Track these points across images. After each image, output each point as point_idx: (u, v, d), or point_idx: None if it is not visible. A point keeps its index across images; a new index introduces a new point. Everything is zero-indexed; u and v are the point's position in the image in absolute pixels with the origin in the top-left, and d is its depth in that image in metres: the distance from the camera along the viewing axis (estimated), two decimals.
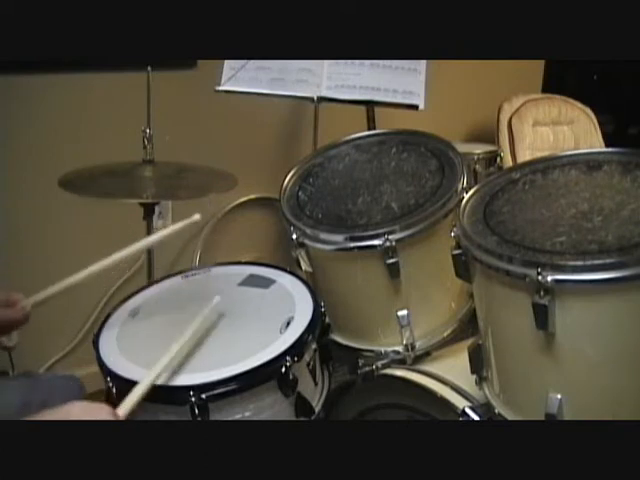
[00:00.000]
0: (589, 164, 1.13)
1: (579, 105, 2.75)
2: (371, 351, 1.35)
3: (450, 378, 1.23)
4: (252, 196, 2.43)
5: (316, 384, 1.21)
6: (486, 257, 0.98)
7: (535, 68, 3.10)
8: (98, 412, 0.85)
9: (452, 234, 1.06)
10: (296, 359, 1.09)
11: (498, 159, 2.24)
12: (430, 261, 1.28)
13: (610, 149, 1.17)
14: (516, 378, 1.05)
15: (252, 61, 1.92)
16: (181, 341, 1.06)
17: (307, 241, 1.30)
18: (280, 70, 1.94)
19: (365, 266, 1.27)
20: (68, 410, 0.84)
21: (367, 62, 1.94)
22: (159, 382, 1.02)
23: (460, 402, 1.16)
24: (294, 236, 1.30)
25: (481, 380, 1.13)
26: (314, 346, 1.19)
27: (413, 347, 1.31)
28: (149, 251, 1.79)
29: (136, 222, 1.71)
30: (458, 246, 1.05)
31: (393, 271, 1.22)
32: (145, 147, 1.65)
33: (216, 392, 1.03)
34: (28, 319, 1.11)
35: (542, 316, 0.91)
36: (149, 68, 1.63)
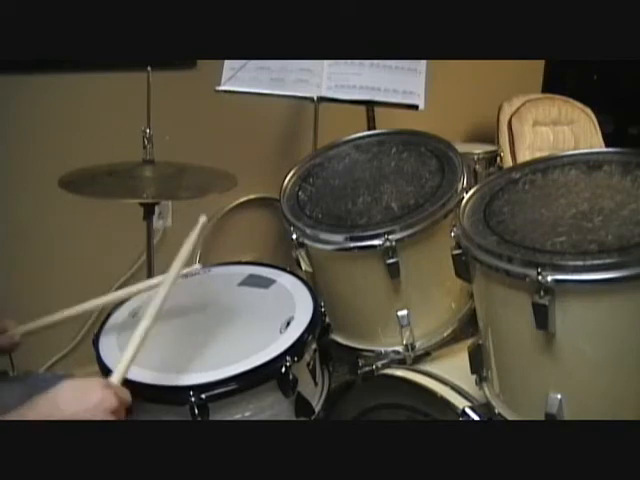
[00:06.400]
0: (589, 164, 1.13)
1: (579, 105, 2.75)
2: (371, 351, 1.35)
3: (450, 378, 1.23)
4: (252, 196, 2.43)
5: (316, 384, 1.21)
6: (486, 257, 0.98)
7: (535, 68, 3.09)
8: (89, 390, 0.86)
9: (452, 234, 1.06)
10: (296, 359, 1.09)
11: (498, 159, 2.23)
12: (430, 261, 1.28)
13: (610, 149, 1.17)
14: (516, 378, 1.05)
15: (252, 61, 1.91)
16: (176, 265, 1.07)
17: (307, 241, 1.30)
18: (280, 70, 1.94)
19: (365, 266, 1.27)
20: (55, 396, 0.84)
21: (367, 62, 1.94)
22: (161, 382, 1.02)
23: (460, 402, 1.16)
24: (294, 236, 1.30)
25: (481, 380, 1.13)
26: (314, 346, 1.19)
27: (413, 347, 1.31)
28: (149, 251, 1.79)
29: (136, 222, 1.70)
30: (458, 246, 1.05)
31: (393, 271, 1.22)
32: (145, 147, 1.65)
33: (216, 392, 1.03)
34: (16, 348, 1.15)
35: (542, 316, 0.91)
36: (149, 68, 1.63)
